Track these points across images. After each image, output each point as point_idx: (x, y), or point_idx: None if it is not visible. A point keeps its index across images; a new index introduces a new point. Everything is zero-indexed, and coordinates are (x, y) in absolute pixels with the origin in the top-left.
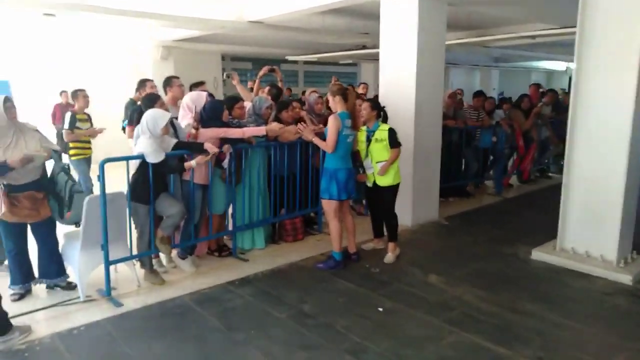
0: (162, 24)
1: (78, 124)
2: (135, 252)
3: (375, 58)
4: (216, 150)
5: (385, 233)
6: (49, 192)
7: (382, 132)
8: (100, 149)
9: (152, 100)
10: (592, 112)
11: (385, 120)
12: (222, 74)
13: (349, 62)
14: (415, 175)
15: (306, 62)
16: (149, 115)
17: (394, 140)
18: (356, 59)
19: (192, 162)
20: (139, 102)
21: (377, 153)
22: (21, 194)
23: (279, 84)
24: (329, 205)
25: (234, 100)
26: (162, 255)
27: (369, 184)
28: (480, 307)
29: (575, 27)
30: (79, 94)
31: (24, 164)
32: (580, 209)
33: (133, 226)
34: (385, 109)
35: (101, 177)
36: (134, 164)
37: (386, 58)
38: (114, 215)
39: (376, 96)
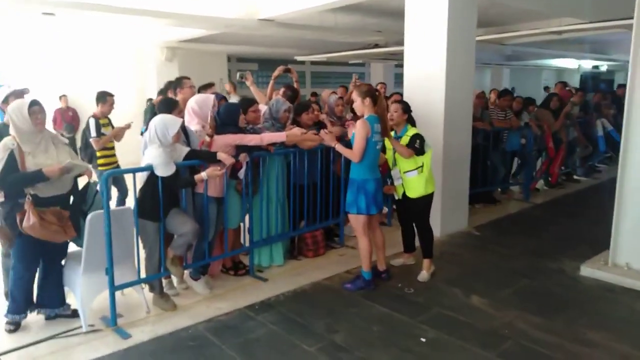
0: (167, 22)
1: (102, 130)
2: (143, 274)
3: (386, 58)
4: (231, 160)
5: (416, 247)
6: (76, 210)
7: (407, 137)
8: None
9: (168, 106)
10: None
11: (413, 124)
12: (236, 75)
13: (358, 62)
14: (444, 182)
15: (313, 63)
16: (158, 121)
17: (411, 143)
18: (366, 59)
19: (203, 174)
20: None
21: (404, 162)
22: (47, 209)
23: (295, 85)
24: (357, 221)
25: (247, 102)
26: (173, 277)
27: (397, 197)
28: (537, 336)
29: (606, 20)
30: (108, 99)
31: (63, 173)
32: (636, 220)
33: (141, 246)
34: (411, 112)
35: (104, 192)
36: (141, 177)
37: (411, 57)
38: (120, 235)
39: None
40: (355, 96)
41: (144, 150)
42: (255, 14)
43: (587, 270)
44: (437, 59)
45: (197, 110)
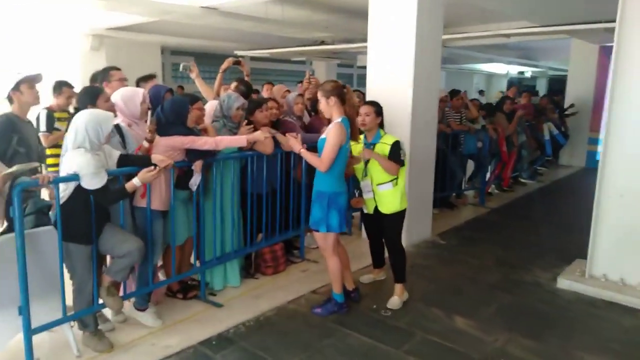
0: (94, 5)
1: (57, 125)
2: (71, 310)
3: (328, 56)
4: (168, 162)
5: (386, 261)
6: None
7: (384, 145)
8: None
9: (92, 95)
10: (631, 116)
11: (382, 128)
12: (179, 67)
13: (300, 59)
14: (410, 188)
15: (253, 59)
16: (88, 118)
17: (396, 156)
18: (310, 57)
19: (135, 180)
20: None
21: (378, 173)
22: None
23: (246, 79)
24: (326, 240)
25: (190, 99)
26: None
27: (367, 210)
28: None
29: (555, 25)
30: (64, 90)
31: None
32: (614, 229)
33: (68, 274)
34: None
35: (17, 209)
36: (64, 190)
37: (375, 57)
38: (39, 262)
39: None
40: (319, 95)
41: (63, 157)
42: (197, 1)
43: (565, 283)
44: (404, 60)
45: (121, 106)
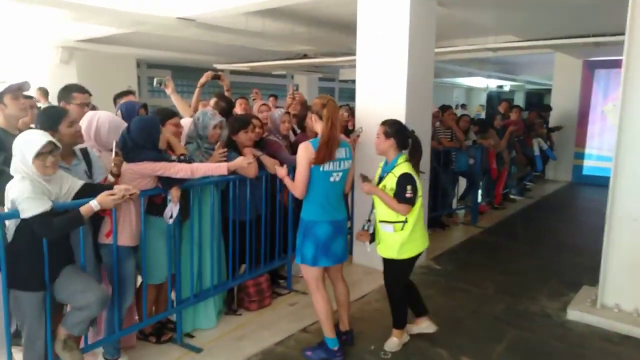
0: (65, 15)
1: None
2: None
3: (309, 70)
4: (133, 192)
5: (426, 311)
6: None
7: (392, 177)
8: None
9: (53, 119)
10: None
11: (415, 152)
12: (153, 81)
13: (281, 73)
14: None
15: (232, 72)
16: (19, 141)
17: (400, 193)
18: (291, 70)
19: (92, 203)
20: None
21: (383, 209)
22: None
23: (226, 94)
24: (305, 272)
25: (166, 114)
26: None
27: (368, 248)
28: None
29: (542, 39)
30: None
31: None
32: (627, 255)
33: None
34: (413, 133)
35: None
36: (10, 227)
37: (365, 70)
38: None
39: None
40: (309, 113)
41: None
42: (173, 11)
43: (575, 314)
44: (396, 73)
45: (102, 133)
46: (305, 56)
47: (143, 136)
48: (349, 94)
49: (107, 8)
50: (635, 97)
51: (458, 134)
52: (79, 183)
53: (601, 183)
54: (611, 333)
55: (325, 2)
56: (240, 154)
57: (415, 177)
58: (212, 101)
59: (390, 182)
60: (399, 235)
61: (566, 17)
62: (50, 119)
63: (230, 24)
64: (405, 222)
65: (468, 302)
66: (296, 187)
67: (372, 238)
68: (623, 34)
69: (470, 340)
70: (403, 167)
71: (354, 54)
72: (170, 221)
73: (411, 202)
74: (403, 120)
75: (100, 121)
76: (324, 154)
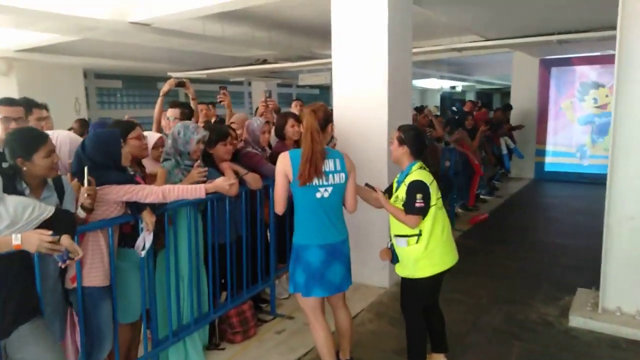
0: (2, 21)
1: None
2: None
3: (267, 76)
4: (75, 256)
5: (444, 348)
6: None
7: (403, 187)
8: None
9: (29, 147)
10: (636, 134)
11: (421, 156)
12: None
13: (239, 80)
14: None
15: (189, 80)
16: None
17: (409, 202)
18: (250, 76)
19: (14, 236)
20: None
21: (394, 220)
22: None
23: (192, 103)
24: (300, 302)
25: (125, 127)
26: None
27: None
28: None
29: (508, 38)
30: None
31: None
32: (626, 255)
33: None
34: (424, 136)
35: None
36: None
37: (342, 72)
38: None
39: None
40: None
41: None
42: (126, 16)
43: (578, 320)
44: (376, 75)
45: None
46: (265, 61)
47: (101, 153)
48: (308, 99)
49: (50, 12)
50: (629, 98)
51: (438, 129)
52: (47, 211)
53: (562, 179)
54: (617, 338)
55: (288, 3)
56: (216, 168)
57: (429, 184)
58: (174, 112)
59: (402, 192)
60: (413, 249)
61: (529, 16)
62: (25, 146)
63: (186, 29)
64: (419, 234)
65: (465, 314)
66: (275, 202)
67: (395, 257)
68: (586, 31)
69: (479, 358)
70: (415, 174)
71: (316, 57)
72: (143, 253)
73: (421, 212)
74: (386, 123)
75: (60, 140)
76: (308, 171)
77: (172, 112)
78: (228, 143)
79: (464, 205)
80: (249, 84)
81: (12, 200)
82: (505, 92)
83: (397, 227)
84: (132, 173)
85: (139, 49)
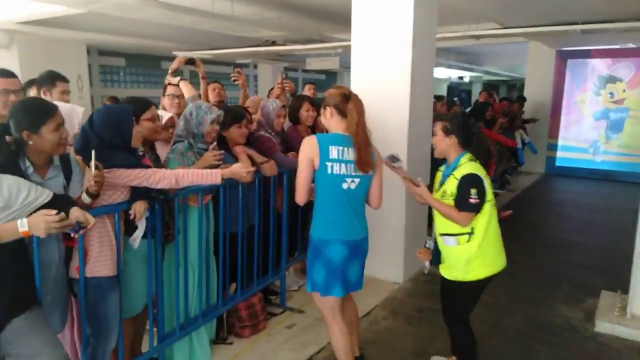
0: None
1: None
2: None
3: (275, 59)
4: (88, 225)
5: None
6: None
7: (452, 180)
8: None
9: (37, 118)
10: None
11: (469, 146)
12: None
13: (245, 62)
14: (407, 212)
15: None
16: None
17: (462, 198)
18: (257, 59)
19: (19, 222)
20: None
21: (440, 218)
22: None
23: (201, 82)
24: (318, 302)
25: (140, 104)
26: None
27: (426, 270)
28: None
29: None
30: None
31: None
32: None
33: None
34: (471, 124)
35: None
36: None
37: (362, 57)
38: None
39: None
40: (323, 106)
41: None
42: None
43: (605, 326)
44: (399, 61)
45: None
46: (274, 43)
47: (110, 131)
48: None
49: None
50: None
51: None
52: (44, 195)
53: (574, 174)
54: None
55: None
56: (230, 152)
57: (484, 177)
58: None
59: (451, 186)
60: (465, 249)
61: (551, 3)
62: (33, 117)
63: (196, 5)
64: (471, 233)
65: (485, 314)
66: (297, 191)
67: (435, 258)
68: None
69: None
70: (467, 167)
71: (325, 41)
72: (136, 244)
73: (476, 209)
74: (407, 112)
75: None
76: (362, 161)
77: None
78: (243, 125)
79: None
80: (255, 66)
81: (7, 179)
82: (511, 84)
83: (444, 224)
84: (140, 154)
85: (144, 26)
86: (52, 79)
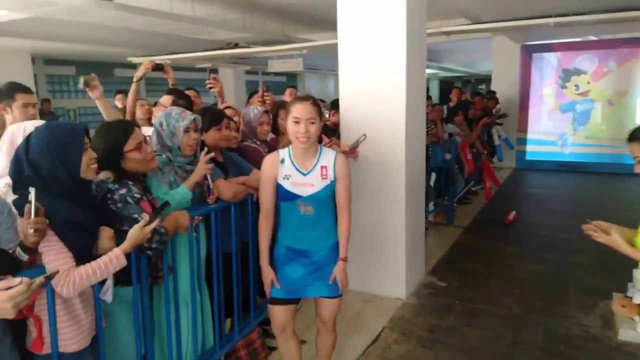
0: None
1: None
2: None
3: (235, 62)
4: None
5: None
6: None
7: None
8: None
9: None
10: None
11: None
12: (79, 81)
13: (204, 66)
14: (408, 221)
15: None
16: None
17: None
18: (218, 62)
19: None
20: None
21: None
22: None
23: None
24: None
25: (123, 130)
26: None
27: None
28: None
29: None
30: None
31: None
32: None
33: None
34: None
35: None
36: None
37: (351, 59)
38: None
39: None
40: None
41: None
42: None
43: (629, 334)
44: (392, 62)
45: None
46: (236, 45)
47: (50, 158)
48: (274, 87)
49: None
50: None
51: (439, 127)
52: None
53: (544, 167)
54: None
55: None
56: (216, 164)
57: None
58: (169, 100)
59: None
60: None
61: None
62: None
63: (153, 6)
64: None
65: (501, 330)
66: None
67: None
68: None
69: None
70: None
71: (290, 42)
72: (108, 298)
73: None
74: (403, 115)
75: (29, 131)
76: None
77: (166, 100)
78: (223, 127)
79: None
80: (216, 71)
81: None
82: (465, 80)
83: None
84: (136, 196)
85: (96, 30)
86: (10, 91)
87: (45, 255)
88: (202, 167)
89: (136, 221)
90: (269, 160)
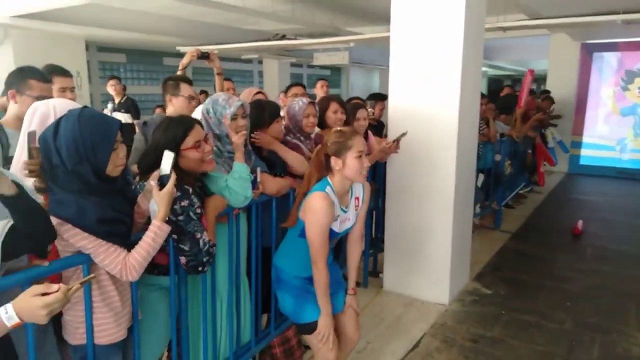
0: None
1: None
2: None
3: (281, 54)
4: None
5: None
6: None
7: None
8: None
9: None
10: None
11: None
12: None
13: (248, 58)
14: (455, 223)
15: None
16: None
17: None
18: (264, 54)
19: (3, 315)
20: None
21: None
22: None
23: (216, 78)
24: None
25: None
26: None
27: None
28: None
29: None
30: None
31: None
32: None
33: None
34: None
35: None
36: None
37: (403, 53)
38: None
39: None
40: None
41: None
42: None
43: None
44: (447, 60)
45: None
46: (284, 37)
47: (78, 151)
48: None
49: None
50: None
51: (492, 125)
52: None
53: (599, 173)
54: None
55: None
56: (261, 158)
57: None
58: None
59: None
60: None
61: None
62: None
63: None
64: None
65: (552, 345)
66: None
67: None
68: None
69: None
70: None
71: (339, 34)
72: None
73: None
74: (456, 117)
75: (60, 112)
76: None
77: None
78: (280, 120)
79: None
80: (260, 62)
81: None
82: (516, 79)
83: None
84: (198, 211)
85: (146, 19)
86: (48, 74)
87: (95, 257)
88: (235, 138)
89: (197, 241)
90: (327, 207)
